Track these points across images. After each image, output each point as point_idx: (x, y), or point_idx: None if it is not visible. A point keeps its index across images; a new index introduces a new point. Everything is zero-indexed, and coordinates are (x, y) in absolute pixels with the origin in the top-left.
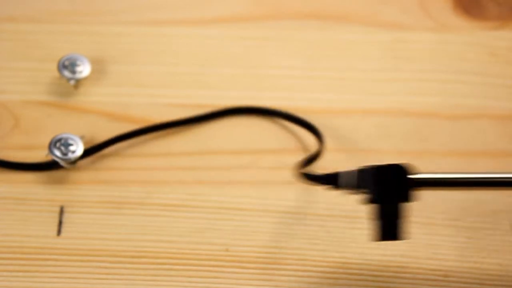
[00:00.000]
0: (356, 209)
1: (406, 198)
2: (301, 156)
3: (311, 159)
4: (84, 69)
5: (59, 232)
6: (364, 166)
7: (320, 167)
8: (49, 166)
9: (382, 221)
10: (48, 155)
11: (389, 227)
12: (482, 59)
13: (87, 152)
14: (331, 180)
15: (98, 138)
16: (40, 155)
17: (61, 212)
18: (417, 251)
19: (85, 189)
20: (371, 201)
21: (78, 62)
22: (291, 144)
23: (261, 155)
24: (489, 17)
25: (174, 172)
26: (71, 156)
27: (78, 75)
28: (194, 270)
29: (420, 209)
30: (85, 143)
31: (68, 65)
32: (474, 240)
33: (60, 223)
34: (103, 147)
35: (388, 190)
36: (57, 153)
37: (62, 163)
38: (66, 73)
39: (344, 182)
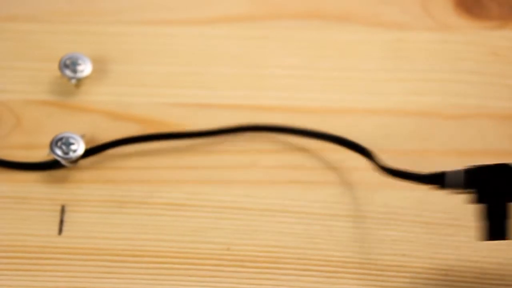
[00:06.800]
0: (357, 209)
1: None
2: (301, 156)
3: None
4: (85, 68)
5: (60, 231)
6: (472, 166)
7: (321, 167)
8: (51, 165)
9: (490, 221)
10: (49, 154)
11: (497, 227)
12: (483, 59)
13: (89, 151)
14: (436, 179)
15: (99, 137)
16: (41, 155)
17: (63, 211)
18: (418, 250)
19: (86, 188)
20: (479, 201)
21: (79, 61)
22: (291, 145)
23: (262, 155)
24: (490, 16)
25: (176, 172)
26: (72, 155)
27: (79, 74)
28: (195, 269)
29: (420, 208)
30: (86, 142)
31: (69, 64)
32: (475, 240)
33: (61, 222)
34: (105, 148)
35: (496, 190)
36: (59, 152)
37: (63, 162)
38: (68, 72)
39: (450, 182)
